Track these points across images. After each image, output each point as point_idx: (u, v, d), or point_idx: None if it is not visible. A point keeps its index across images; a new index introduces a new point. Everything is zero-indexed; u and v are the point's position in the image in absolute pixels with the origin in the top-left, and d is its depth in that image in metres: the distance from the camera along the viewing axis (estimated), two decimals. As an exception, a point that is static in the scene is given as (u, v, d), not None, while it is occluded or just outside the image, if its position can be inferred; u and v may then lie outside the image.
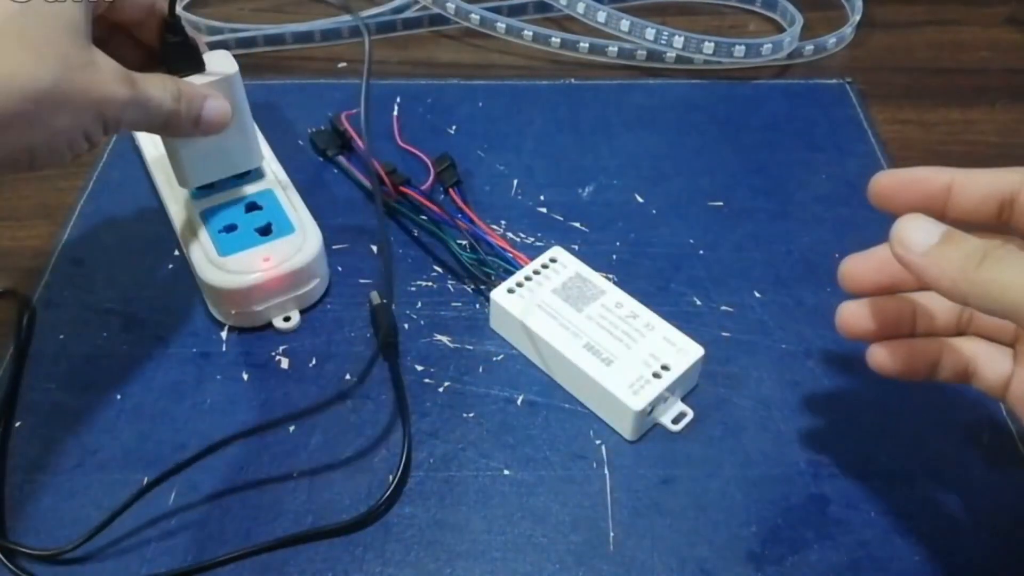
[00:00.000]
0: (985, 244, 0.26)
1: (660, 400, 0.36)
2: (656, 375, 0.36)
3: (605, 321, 0.38)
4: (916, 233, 0.27)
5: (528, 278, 0.40)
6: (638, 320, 0.38)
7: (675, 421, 0.36)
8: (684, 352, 0.37)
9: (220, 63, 0.38)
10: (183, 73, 0.37)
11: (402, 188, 0.45)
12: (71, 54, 0.30)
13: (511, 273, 0.40)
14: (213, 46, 0.56)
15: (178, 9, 0.36)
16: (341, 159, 0.48)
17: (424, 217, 0.44)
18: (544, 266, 0.40)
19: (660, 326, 0.38)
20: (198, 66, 0.37)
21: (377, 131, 0.50)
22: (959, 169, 0.30)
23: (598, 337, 0.37)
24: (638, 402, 0.35)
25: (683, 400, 0.37)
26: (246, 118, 0.41)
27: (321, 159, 0.49)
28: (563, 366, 0.37)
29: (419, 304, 0.42)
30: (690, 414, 0.37)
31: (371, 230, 0.45)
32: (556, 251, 0.41)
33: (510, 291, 0.39)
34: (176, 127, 0.35)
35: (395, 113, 0.51)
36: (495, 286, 0.40)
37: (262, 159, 0.42)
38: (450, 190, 0.46)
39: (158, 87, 0.34)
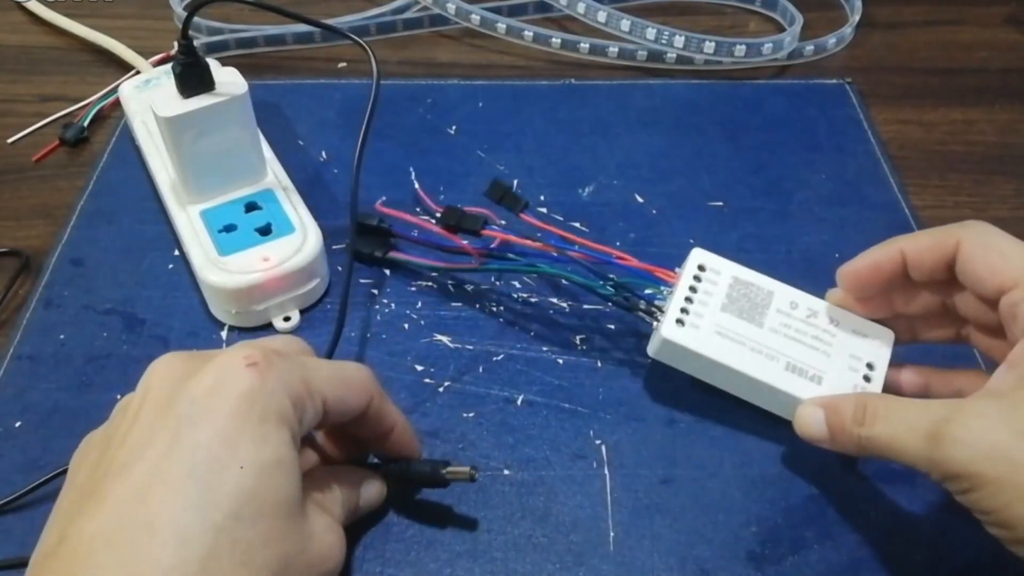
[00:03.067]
0: (856, 404, 0.30)
1: None
2: (867, 378, 0.34)
3: (791, 330, 0.35)
4: (808, 424, 0.32)
5: (689, 299, 0.35)
6: (820, 318, 0.35)
7: None
8: (879, 341, 0.35)
9: (230, 82, 0.39)
10: (194, 93, 0.38)
11: (484, 231, 0.39)
12: (288, 549, 0.26)
13: (661, 294, 0.37)
14: (213, 47, 0.56)
15: (179, 8, 0.36)
16: (397, 255, 0.42)
17: (521, 259, 0.39)
18: (697, 278, 0.36)
19: (843, 318, 0.35)
20: (209, 85, 0.38)
21: (391, 179, 0.50)
22: (905, 237, 0.33)
23: (795, 353, 0.34)
24: None
25: None
26: (254, 135, 0.41)
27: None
28: (770, 395, 0.34)
29: (419, 304, 0.42)
30: None
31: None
32: (699, 254, 0.37)
33: (679, 322, 0.35)
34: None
35: (416, 186, 0.47)
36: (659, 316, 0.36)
37: (267, 174, 0.43)
38: (523, 216, 0.40)
39: (336, 502, 0.30)
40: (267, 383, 0.27)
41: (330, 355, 0.38)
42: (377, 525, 0.34)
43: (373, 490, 0.33)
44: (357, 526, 0.33)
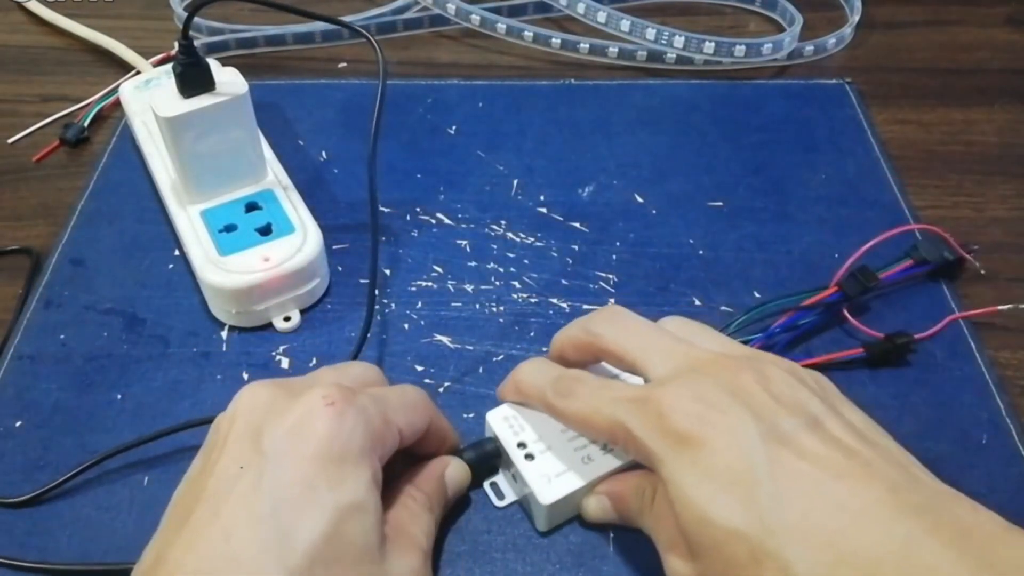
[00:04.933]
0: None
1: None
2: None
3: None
4: (596, 510, 0.33)
5: (529, 456, 0.33)
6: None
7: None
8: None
9: (230, 82, 0.39)
10: (195, 93, 0.38)
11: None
12: None
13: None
14: (213, 47, 0.56)
15: (180, 8, 0.36)
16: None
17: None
18: (514, 431, 0.34)
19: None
20: (209, 85, 0.38)
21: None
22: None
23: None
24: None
25: None
26: (254, 136, 0.41)
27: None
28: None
29: (419, 304, 0.42)
30: None
31: (371, 229, 0.45)
32: (494, 415, 0.34)
33: (545, 478, 0.32)
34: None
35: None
36: None
37: (267, 174, 0.43)
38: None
39: (420, 518, 0.31)
40: (345, 423, 0.27)
41: (360, 346, 0.38)
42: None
43: (455, 473, 0.33)
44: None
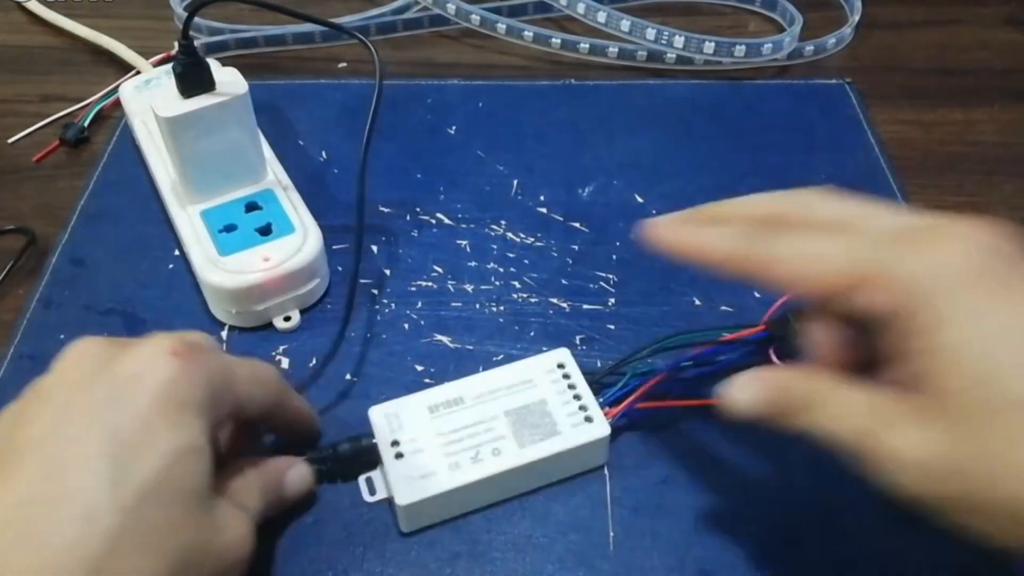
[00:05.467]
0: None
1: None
2: (572, 387, 0.35)
3: (491, 404, 0.35)
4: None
5: (399, 455, 0.33)
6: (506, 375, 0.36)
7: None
8: (549, 355, 0.36)
9: (230, 82, 0.39)
10: (195, 93, 0.38)
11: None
12: (194, 538, 0.26)
13: None
14: (213, 47, 0.56)
15: (180, 8, 0.36)
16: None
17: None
18: (392, 430, 0.34)
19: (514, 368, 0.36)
20: (209, 85, 0.38)
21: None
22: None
23: (509, 418, 0.34)
24: (602, 426, 0.34)
25: None
26: (254, 136, 0.41)
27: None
28: (531, 471, 0.34)
29: (419, 304, 0.42)
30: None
31: (371, 230, 0.45)
32: (376, 411, 0.34)
33: (409, 479, 0.32)
34: (264, 520, 0.31)
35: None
36: None
37: (267, 174, 0.43)
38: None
39: (253, 495, 0.30)
40: (190, 373, 0.27)
41: (334, 349, 0.39)
42: (377, 525, 0.34)
43: (297, 476, 0.33)
44: (357, 526, 0.33)
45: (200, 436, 0.27)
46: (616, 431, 0.36)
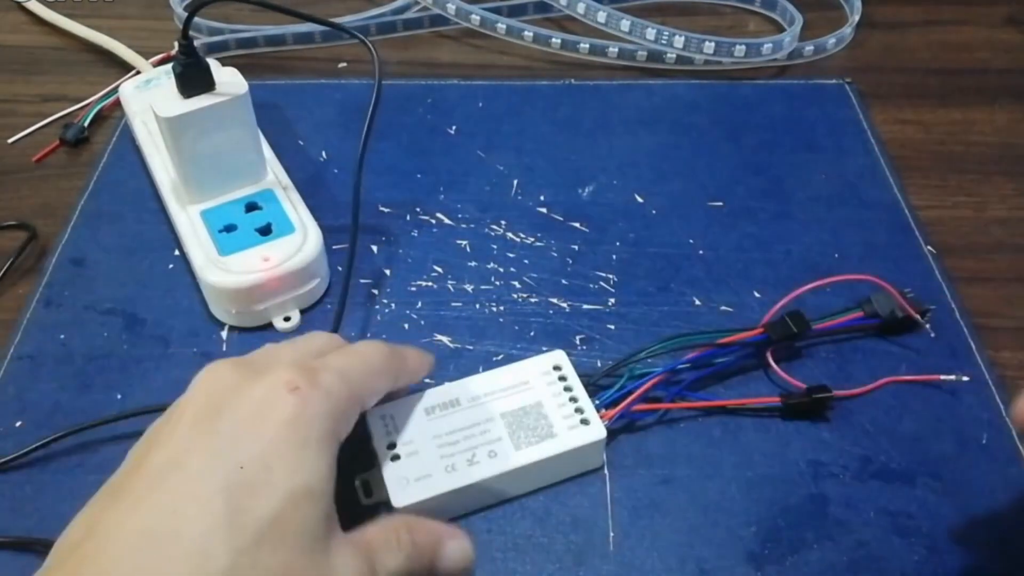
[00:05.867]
0: None
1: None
2: (562, 378, 0.35)
3: (489, 404, 0.34)
4: None
5: (396, 456, 0.33)
6: (502, 378, 0.35)
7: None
8: (545, 357, 0.36)
9: (230, 82, 0.39)
10: (195, 92, 0.38)
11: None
12: (308, 573, 0.25)
13: None
14: (213, 47, 0.56)
15: (180, 8, 0.36)
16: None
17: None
18: (384, 421, 0.34)
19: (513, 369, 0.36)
20: (209, 85, 0.38)
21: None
22: None
23: (506, 420, 0.34)
24: (598, 429, 0.34)
25: None
26: (254, 136, 0.41)
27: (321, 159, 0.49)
28: (529, 472, 0.34)
29: (419, 304, 0.42)
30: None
31: (371, 230, 0.45)
32: (374, 412, 0.34)
33: (403, 480, 0.32)
34: None
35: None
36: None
37: (267, 174, 0.43)
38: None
39: (392, 554, 0.28)
40: (309, 408, 0.27)
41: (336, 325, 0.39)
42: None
43: (457, 549, 0.30)
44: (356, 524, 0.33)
45: (318, 476, 0.26)
46: (613, 433, 0.36)
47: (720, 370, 0.38)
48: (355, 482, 0.34)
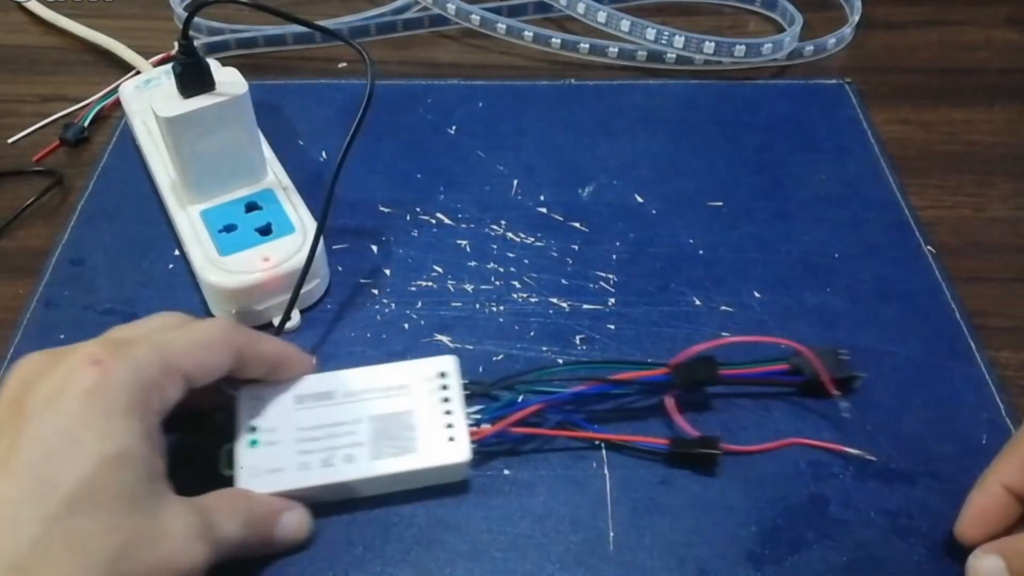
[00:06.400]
0: None
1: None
2: (446, 400, 0.34)
3: (358, 406, 0.34)
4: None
5: (254, 441, 0.33)
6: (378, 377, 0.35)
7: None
8: (434, 361, 0.35)
9: (230, 82, 0.39)
10: (195, 92, 0.38)
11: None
12: (131, 539, 0.26)
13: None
14: (213, 47, 0.56)
15: (180, 8, 0.36)
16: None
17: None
18: (252, 407, 0.34)
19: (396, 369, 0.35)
20: (209, 85, 0.38)
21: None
22: (993, 469, 0.32)
23: (375, 424, 0.33)
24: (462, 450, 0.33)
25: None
26: (254, 136, 0.41)
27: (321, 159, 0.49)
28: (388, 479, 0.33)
29: (419, 304, 0.42)
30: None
31: (371, 230, 0.45)
32: (245, 392, 0.34)
33: (255, 470, 0.32)
34: (244, 552, 0.31)
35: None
36: None
37: (267, 174, 0.43)
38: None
39: (229, 519, 0.30)
40: (110, 378, 0.27)
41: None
42: (376, 525, 0.34)
43: (293, 520, 0.32)
44: (357, 525, 0.33)
45: (131, 439, 0.27)
46: (486, 454, 0.35)
47: (624, 402, 0.37)
48: (221, 451, 0.33)
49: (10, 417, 0.27)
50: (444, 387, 0.35)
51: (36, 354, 0.29)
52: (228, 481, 0.32)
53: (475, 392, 0.36)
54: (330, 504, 0.34)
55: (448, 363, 0.35)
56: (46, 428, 0.26)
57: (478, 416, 0.35)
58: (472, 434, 0.34)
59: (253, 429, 0.33)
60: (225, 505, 0.30)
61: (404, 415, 0.34)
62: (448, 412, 0.34)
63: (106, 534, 0.26)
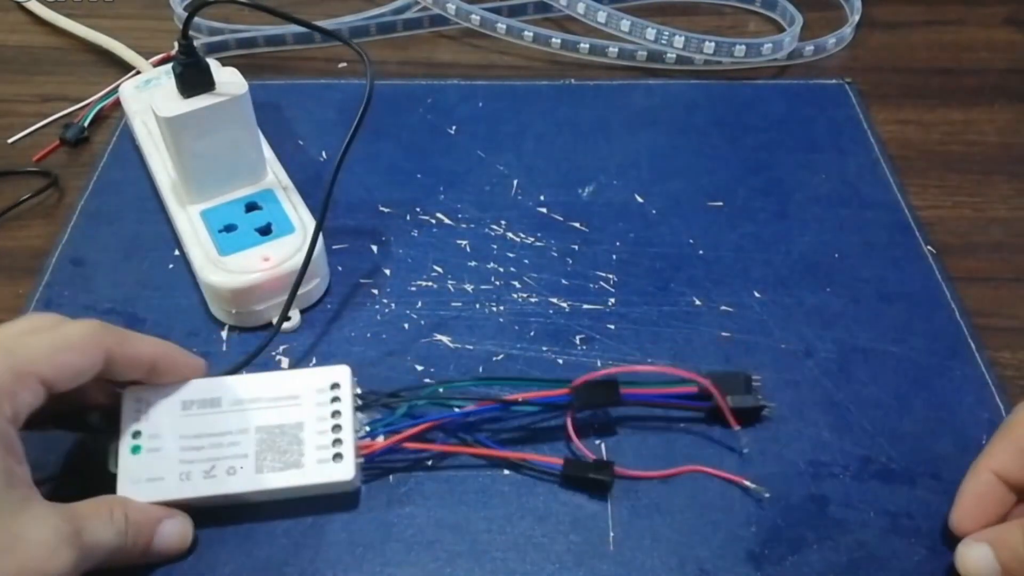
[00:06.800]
0: None
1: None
2: (335, 399, 0.33)
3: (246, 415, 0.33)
4: (977, 565, 0.30)
5: (137, 445, 0.32)
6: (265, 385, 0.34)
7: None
8: (327, 372, 0.34)
9: (230, 82, 0.39)
10: (195, 92, 0.38)
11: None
12: None
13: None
14: (213, 47, 0.56)
15: (180, 8, 0.36)
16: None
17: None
18: (138, 408, 0.33)
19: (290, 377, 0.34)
20: (209, 85, 0.38)
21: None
22: (985, 456, 0.32)
23: (262, 437, 0.33)
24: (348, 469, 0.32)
25: None
26: (254, 136, 0.41)
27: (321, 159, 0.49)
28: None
29: (419, 304, 0.42)
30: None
31: (371, 230, 0.45)
32: (129, 395, 0.33)
33: (135, 481, 0.32)
34: (121, 560, 0.30)
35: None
36: None
37: (267, 174, 0.43)
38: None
39: (103, 525, 0.29)
40: None
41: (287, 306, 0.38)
42: (376, 525, 0.34)
43: (173, 529, 0.32)
44: (357, 525, 0.33)
45: None
46: (376, 470, 0.35)
47: (529, 421, 0.36)
48: (109, 448, 0.32)
49: None
50: (335, 399, 0.33)
51: None
52: (114, 480, 0.32)
53: (369, 403, 0.35)
54: (330, 504, 0.34)
55: (341, 373, 0.34)
56: None
57: (371, 427, 0.34)
58: (363, 447, 0.33)
59: (137, 434, 0.32)
60: (101, 511, 0.30)
61: (292, 428, 0.33)
62: (337, 427, 0.33)
63: None
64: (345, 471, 0.32)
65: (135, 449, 0.32)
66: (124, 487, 0.31)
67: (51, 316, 0.32)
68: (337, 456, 0.32)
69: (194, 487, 0.32)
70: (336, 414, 0.33)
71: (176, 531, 0.32)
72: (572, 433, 0.35)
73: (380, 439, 0.34)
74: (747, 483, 0.34)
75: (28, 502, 0.28)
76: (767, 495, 0.34)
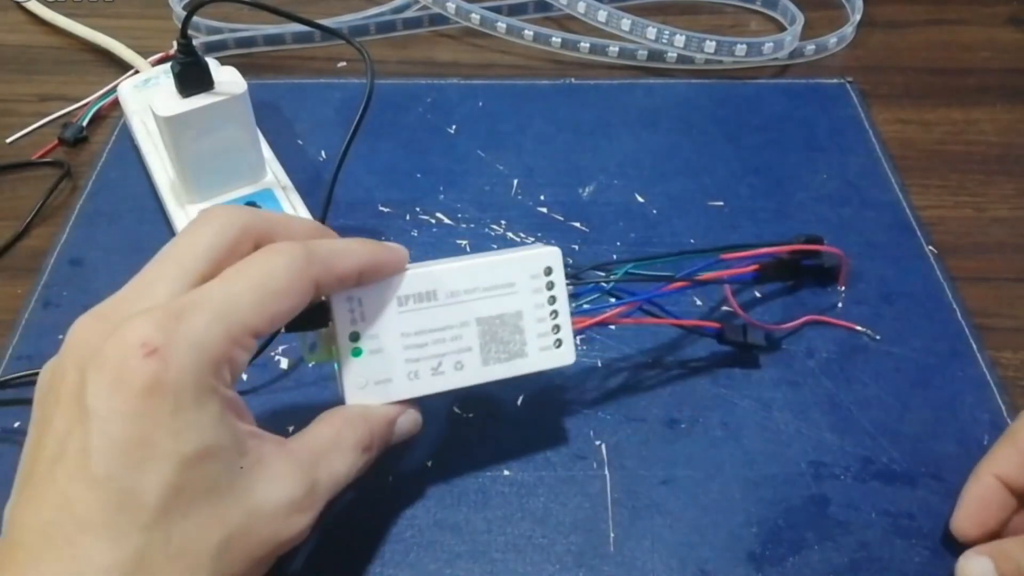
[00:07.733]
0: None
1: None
2: (552, 301, 0.32)
3: (461, 306, 0.32)
4: None
5: (355, 334, 0.31)
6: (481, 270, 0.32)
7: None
8: (539, 256, 0.32)
9: (229, 81, 0.39)
10: (193, 92, 0.38)
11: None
12: (229, 531, 0.25)
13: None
14: (212, 46, 0.56)
15: (179, 8, 0.36)
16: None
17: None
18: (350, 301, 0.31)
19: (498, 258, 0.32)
20: (208, 85, 0.38)
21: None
22: (987, 461, 0.33)
23: (482, 327, 0.32)
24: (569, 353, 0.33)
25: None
26: (253, 135, 0.41)
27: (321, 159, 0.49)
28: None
29: (419, 304, 0.41)
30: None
31: (371, 230, 0.45)
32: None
33: (362, 385, 0.31)
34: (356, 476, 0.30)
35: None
36: None
37: (267, 174, 0.43)
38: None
39: (343, 454, 0.29)
40: (170, 372, 0.24)
41: None
42: (375, 525, 0.33)
43: (409, 422, 0.32)
44: (355, 525, 0.33)
45: (205, 433, 0.25)
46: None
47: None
48: (304, 337, 0.31)
49: (75, 413, 0.25)
50: (550, 284, 0.32)
51: (85, 321, 0.27)
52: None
53: (574, 285, 0.35)
54: (328, 503, 0.34)
55: (554, 258, 0.32)
56: (114, 430, 0.24)
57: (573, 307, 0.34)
58: (576, 323, 0.33)
59: (355, 336, 0.30)
60: (345, 435, 0.29)
61: (511, 317, 0.32)
62: (554, 313, 0.32)
63: (204, 531, 0.25)
64: (566, 356, 0.33)
65: (356, 352, 0.30)
66: (352, 394, 0.30)
67: (248, 237, 0.29)
68: (557, 342, 0.32)
69: (424, 385, 0.31)
70: (552, 299, 0.32)
71: (409, 423, 0.32)
72: (731, 297, 0.38)
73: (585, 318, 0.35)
74: (858, 327, 0.39)
75: (259, 468, 0.26)
76: (878, 337, 0.39)
